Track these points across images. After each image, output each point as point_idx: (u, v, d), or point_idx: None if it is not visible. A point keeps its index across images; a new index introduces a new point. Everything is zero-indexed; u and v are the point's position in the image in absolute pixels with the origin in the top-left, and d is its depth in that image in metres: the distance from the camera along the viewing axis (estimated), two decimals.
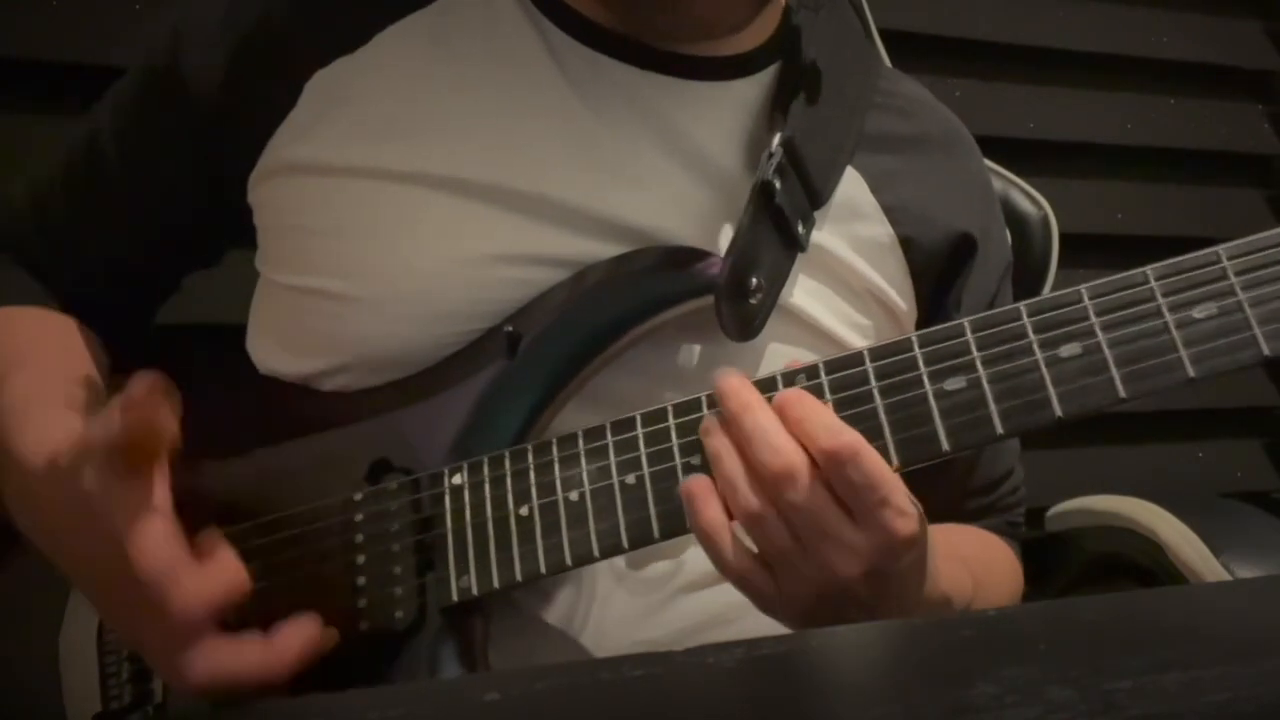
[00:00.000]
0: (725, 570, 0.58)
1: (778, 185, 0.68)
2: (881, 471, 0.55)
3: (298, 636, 0.58)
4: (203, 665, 0.56)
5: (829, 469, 0.55)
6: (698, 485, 0.58)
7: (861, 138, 0.75)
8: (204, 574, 0.57)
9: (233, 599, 0.57)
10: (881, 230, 0.75)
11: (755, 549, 0.58)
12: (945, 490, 0.77)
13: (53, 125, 1.04)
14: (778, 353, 0.70)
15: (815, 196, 0.71)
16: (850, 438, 0.55)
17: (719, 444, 0.58)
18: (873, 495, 0.55)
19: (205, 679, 0.56)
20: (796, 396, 0.57)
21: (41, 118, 1.08)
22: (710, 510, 0.57)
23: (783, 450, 0.55)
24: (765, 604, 0.59)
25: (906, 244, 0.75)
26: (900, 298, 0.76)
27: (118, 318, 0.79)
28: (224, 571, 0.58)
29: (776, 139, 0.69)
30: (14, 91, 1.09)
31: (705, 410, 0.60)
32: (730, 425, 0.58)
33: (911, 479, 0.58)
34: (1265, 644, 0.34)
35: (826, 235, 0.72)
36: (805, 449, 0.56)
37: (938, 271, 0.77)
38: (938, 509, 0.65)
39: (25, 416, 0.65)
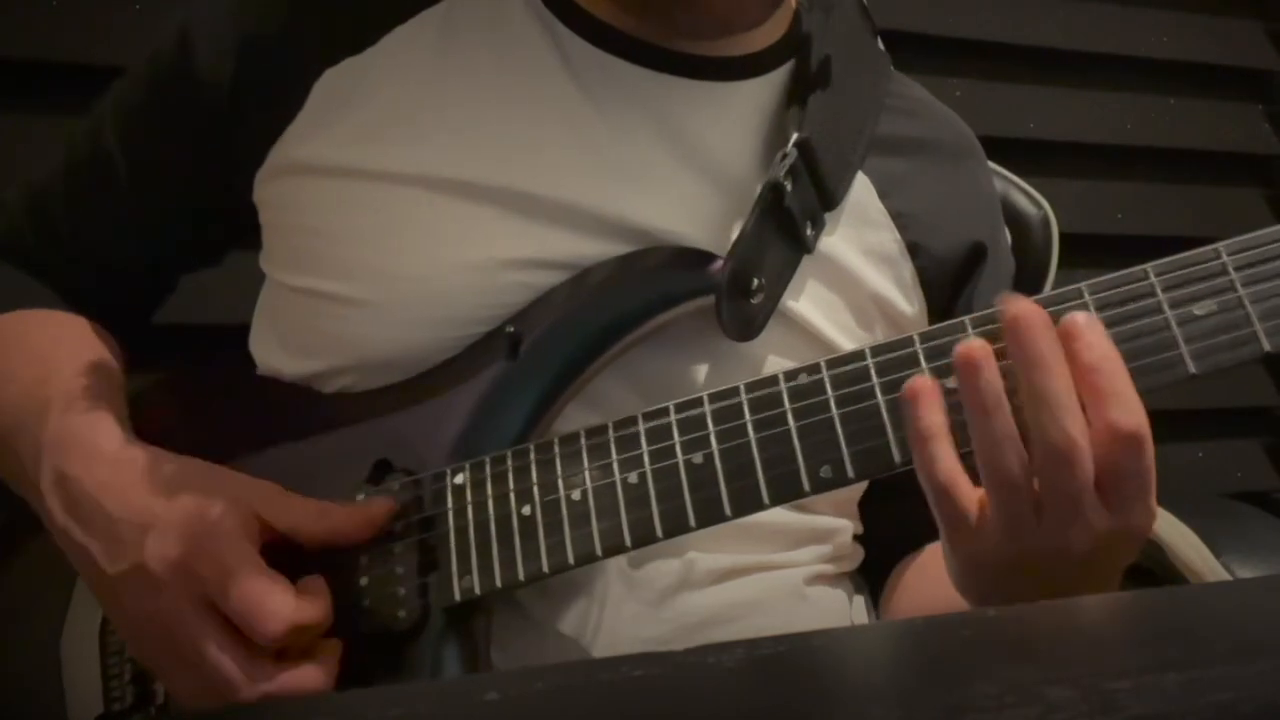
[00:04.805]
0: (929, 478, 0.53)
1: (788, 187, 0.67)
2: (1152, 463, 0.52)
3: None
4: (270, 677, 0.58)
5: (1117, 448, 0.51)
6: (924, 385, 0.53)
7: (872, 140, 0.75)
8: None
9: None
10: (889, 236, 0.74)
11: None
12: None
13: (53, 125, 1.04)
14: (776, 361, 0.69)
15: (828, 198, 0.71)
16: (1145, 420, 0.51)
17: (986, 386, 0.52)
18: (1140, 485, 0.52)
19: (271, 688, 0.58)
20: (1102, 352, 0.51)
21: (41, 118, 1.08)
22: (933, 414, 0.53)
23: (1075, 427, 0.50)
24: (959, 537, 0.54)
25: (915, 250, 0.75)
26: (908, 304, 0.75)
27: (114, 318, 0.79)
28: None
29: (791, 139, 0.69)
30: (14, 91, 1.09)
31: (706, 407, 0.60)
32: (1022, 373, 0.51)
33: None
34: (1265, 644, 0.34)
35: (832, 241, 0.72)
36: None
37: (950, 280, 0.77)
38: None
39: (71, 419, 0.66)
